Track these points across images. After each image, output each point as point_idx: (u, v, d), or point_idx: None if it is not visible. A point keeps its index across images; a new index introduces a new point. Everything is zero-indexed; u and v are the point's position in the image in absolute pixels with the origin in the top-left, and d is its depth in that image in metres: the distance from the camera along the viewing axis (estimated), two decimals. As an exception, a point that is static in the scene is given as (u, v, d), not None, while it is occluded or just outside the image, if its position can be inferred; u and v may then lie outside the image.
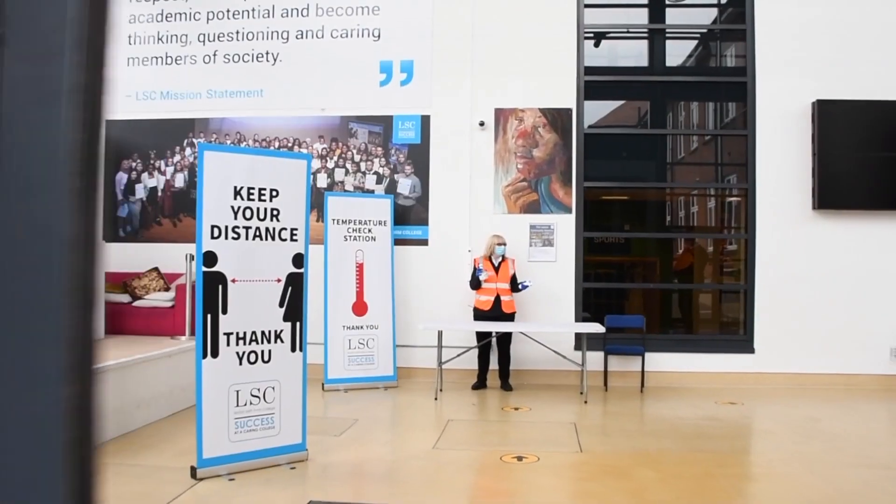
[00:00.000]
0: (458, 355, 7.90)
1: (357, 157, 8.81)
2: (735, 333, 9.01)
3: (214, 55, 9.01)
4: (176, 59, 9.07)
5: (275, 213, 5.05)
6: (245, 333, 4.91)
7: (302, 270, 5.20)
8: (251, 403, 4.95)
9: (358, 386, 8.01)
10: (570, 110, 8.64)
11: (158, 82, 9.08)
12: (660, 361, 8.45)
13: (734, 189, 9.43)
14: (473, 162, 8.67)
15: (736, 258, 9.73)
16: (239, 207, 4.89)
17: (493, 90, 8.70)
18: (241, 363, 4.89)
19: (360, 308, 8.14)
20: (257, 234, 4.98)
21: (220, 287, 4.81)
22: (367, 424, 6.44)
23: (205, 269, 4.77)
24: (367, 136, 8.80)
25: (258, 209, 4.98)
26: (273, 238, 5.05)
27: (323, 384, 7.94)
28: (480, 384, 8.14)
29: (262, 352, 5.00)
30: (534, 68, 8.66)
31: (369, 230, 8.23)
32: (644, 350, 8.23)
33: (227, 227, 4.84)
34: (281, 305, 5.08)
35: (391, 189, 8.73)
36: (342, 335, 8.03)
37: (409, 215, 8.71)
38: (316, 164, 8.84)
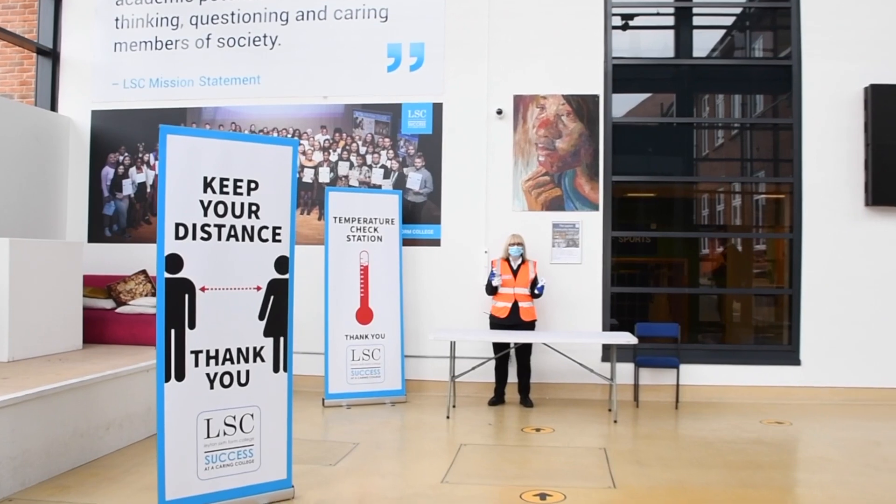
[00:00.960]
0: (473, 368, 7.11)
1: (363, 150, 8.04)
2: (778, 343, 8.14)
3: (208, 39, 8.27)
4: (166, 44, 8.34)
5: (253, 208, 4.29)
6: (217, 351, 4.15)
7: (286, 276, 4.43)
8: (225, 434, 4.19)
9: (362, 401, 7.24)
10: (596, 97, 7.81)
11: (147, 69, 8.36)
12: (695, 374, 7.61)
13: (777, 183, 8.55)
14: (490, 154, 7.87)
15: (769, 259, 8.87)
16: (210, 202, 4.13)
17: (511, 75, 7.89)
18: (212, 387, 4.13)
19: (364, 315, 7.37)
20: (232, 233, 4.21)
21: (187, 297, 4.05)
22: (367, 450, 5.66)
23: (167, 275, 4.01)
24: (373, 127, 8.03)
25: (233, 204, 4.21)
26: (251, 238, 4.28)
27: (323, 399, 7.19)
28: (498, 399, 7.35)
29: (239, 373, 4.23)
30: (557, 51, 7.85)
31: (375, 229, 7.46)
32: (679, 362, 7.39)
33: (194, 226, 4.08)
34: (261, 318, 4.32)
35: (400, 184, 7.95)
36: (345, 345, 7.27)
37: (420, 213, 7.93)
38: (318, 157, 8.08)
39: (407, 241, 7.81)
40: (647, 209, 9.09)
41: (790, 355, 7.71)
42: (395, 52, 8.00)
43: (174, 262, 4.01)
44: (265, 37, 8.18)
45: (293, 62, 8.12)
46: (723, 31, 8.66)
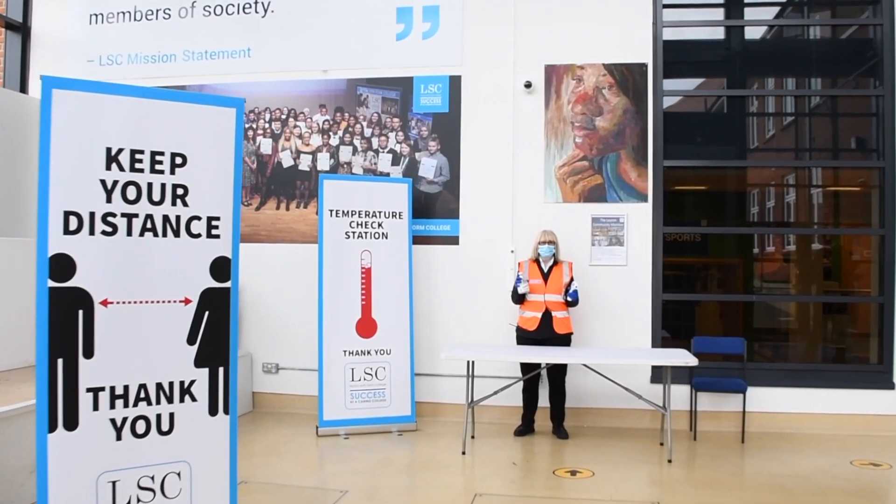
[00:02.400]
0: (495, 393, 5.88)
1: (368, 132, 6.87)
2: (865, 362, 6.79)
3: (192, 7, 7.17)
4: (146, 14, 7.27)
5: (180, 192, 3.13)
6: (126, 389, 3.01)
7: (227, 285, 3.26)
8: (140, 501, 3.04)
9: (363, 430, 6.08)
10: (644, 66, 6.54)
11: (125, 43, 7.30)
12: (765, 399, 6.30)
13: (864, 169, 7.18)
14: (518, 135, 6.64)
15: (832, 258, 7.55)
16: (115, 183, 2.99)
17: (542, 41, 6.65)
18: (119, 437, 2.99)
19: (366, 327, 6.20)
20: (148, 226, 3.06)
21: (81, 314, 2.91)
22: (356, 501, 4.49)
23: (52, 283, 2.87)
24: (380, 105, 6.86)
25: (150, 186, 3.07)
26: (176, 233, 3.13)
27: (317, 427, 6.04)
28: (526, 428, 6.13)
29: (159, 417, 3.08)
30: (596, 12, 6.59)
31: (380, 224, 6.29)
32: (746, 385, 6.08)
33: (92, 216, 2.94)
34: (191, 342, 3.16)
35: (411, 172, 6.76)
36: (343, 363, 6.11)
37: (434, 205, 6.73)
38: (316, 140, 6.94)
39: (418, 239, 6.63)
40: (702, 201, 7.77)
41: (881, 377, 6.36)
42: (405, 17, 6.81)
43: (62, 266, 2.88)
44: (256, 3, 7.06)
45: (288, 32, 6.98)
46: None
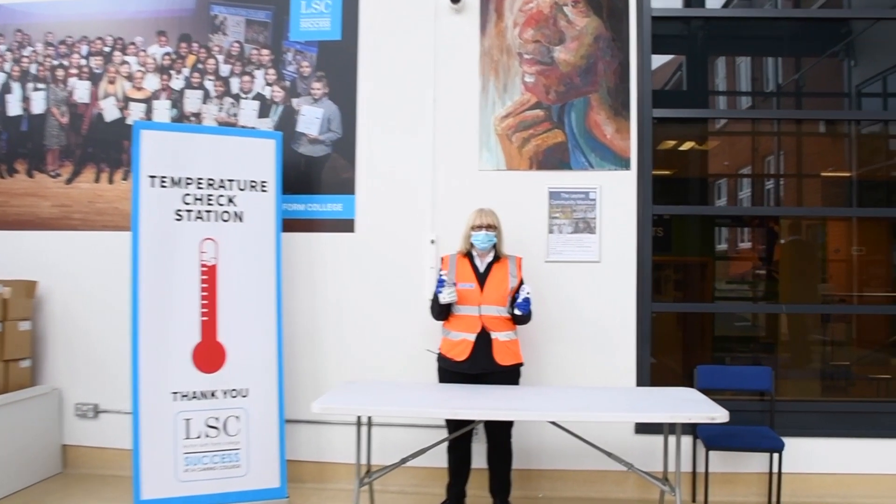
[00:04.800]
0: (403, 461, 3.78)
1: (225, 70, 4.73)
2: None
3: None
4: None
5: None
6: None
7: None
8: None
9: (200, 515, 3.93)
10: (623, -25, 4.54)
11: None
12: (799, 453, 4.31)
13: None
14: (441, 73, 4.56)
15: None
16: None
17: (477, -62, 4.61)
18: None
19: (209, 356, 4.06)
20: None
21: None
22: None
23: None
24: (243, 31, 4.72)
25: None
26: None
27: (129, 512, 3.88)
28: (454, 503, 4.05)
29: None
30: None
31: (231, 200, 4.16)
32: (780, 440, 4.08)
33: None
34: None
35: (286, 126, 4.64)
36: (172, 411, 3.96)
37: (319, 175, 4.61)
38: (153, 83, 4.77)
39: (293, 224, 4.53)
40: (694, 165, 5.76)
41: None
42: None
43: None
44: None
45: (112, -75, 4.82)
46: None
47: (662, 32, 4.63)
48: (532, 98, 4.48)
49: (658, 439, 3.94)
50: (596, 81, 4.46)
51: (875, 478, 4.30)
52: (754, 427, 4.18)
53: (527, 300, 3.80)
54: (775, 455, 4.10)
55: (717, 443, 4.03)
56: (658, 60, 4.63)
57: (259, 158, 4.23)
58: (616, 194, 4.45)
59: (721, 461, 4.28)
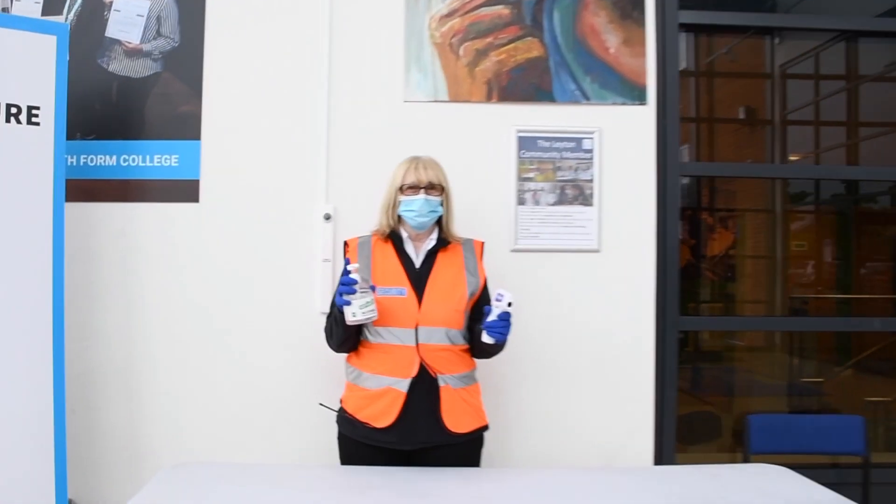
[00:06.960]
0: None
1: (-9, -62, 2.88)
2: None
3: None
4: None
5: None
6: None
7: None
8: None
9: None
10: None
11: None
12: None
13: None
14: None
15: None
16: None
17: None
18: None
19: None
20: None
21: None
22: None
23: None
24: None
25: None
26: None
27: None
28: None
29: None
30: None
31: (-35, 144, 2.33)
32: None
33: None
34: None
35: (89, 25, 2.81)
36: None
37: (142, 107, 2.80)
38: None
39: (91, 188, 2.74)
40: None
41: None
42: None
43: None
44: None
45: None
46: None
47: None
48: (492, -13, 2.78)
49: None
50: (592, -37, 2.79)
51: None
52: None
53: (505, 318, 2.09)
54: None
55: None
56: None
57: (24, 68, 2.40)
58: (625, 143, 2.78)
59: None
